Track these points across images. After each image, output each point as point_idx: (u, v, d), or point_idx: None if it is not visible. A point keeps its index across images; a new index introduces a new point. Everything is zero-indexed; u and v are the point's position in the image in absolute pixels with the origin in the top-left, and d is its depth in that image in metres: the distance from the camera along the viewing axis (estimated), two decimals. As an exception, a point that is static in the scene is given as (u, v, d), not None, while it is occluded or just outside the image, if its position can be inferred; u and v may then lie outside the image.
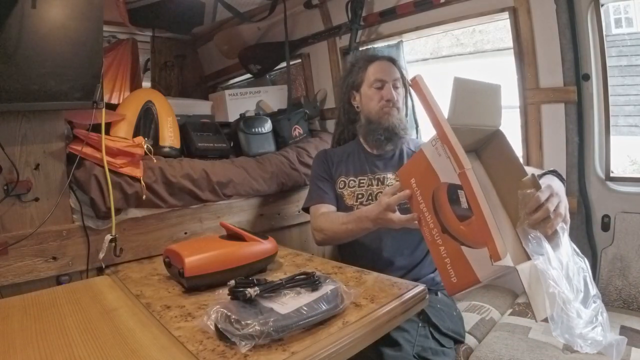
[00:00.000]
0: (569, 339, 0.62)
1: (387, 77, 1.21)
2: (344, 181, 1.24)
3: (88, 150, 1.08)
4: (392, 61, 1.26)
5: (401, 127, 1.21)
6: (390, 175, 1.21)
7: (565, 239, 0.70)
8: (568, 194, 1.33)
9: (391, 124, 1.19)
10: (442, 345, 0.98)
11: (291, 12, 1.91)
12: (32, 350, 0.64)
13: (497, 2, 1.37)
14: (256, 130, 1.60)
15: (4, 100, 0.91)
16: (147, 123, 1.32)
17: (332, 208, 1.21)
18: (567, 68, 1.26)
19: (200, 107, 1.82)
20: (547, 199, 0.70)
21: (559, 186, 0.78)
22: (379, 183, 1.20)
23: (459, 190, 0.69)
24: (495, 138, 0.82)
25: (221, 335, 0.63)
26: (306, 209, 1.27)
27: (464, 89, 0.73)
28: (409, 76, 1.68)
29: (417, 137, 1.65)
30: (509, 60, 1.41)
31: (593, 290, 0.66)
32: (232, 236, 1.01)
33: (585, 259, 0.70)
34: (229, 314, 0.63)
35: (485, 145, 0.84)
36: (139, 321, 0.75)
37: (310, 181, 1.30)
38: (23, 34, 0.90)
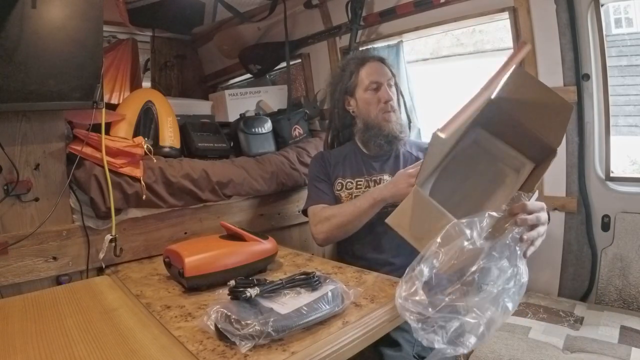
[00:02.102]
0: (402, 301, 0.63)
1: (381, 78, 1.21)
2: (341, 183, 1.24)
3: (88, 150, 1.08)
4: (382, 61, 1.26)
5: (399, 130, 1.21)
6: (386, 177, 1.20)
7: (521, 261, 0.69)
8: (568, 194, 1.33)
9: (391, 130, 1.19)
10: (442, 345, 0.98)
11: (291, 12, 1.91)
12: (32, 350, 0.64)
13: (497, 2, 1.37)
14: (256, 130, 1.60)
15: (4, 100, 0.91)
16: (147, 123, 1.32)
17: None
18: (567, 68, 1.26)
19: (200, 107, 1.82)
20: (536, 217, 0.70)
21: (545, 221, 0.76)
22: (376, 184, 1.20)
23: None
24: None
25: (221, 335, 0.63)
26: (305, 212, 1.27)
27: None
28: (406, 76, 1.69)
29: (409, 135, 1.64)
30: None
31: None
32: (232, 236, 1.01)
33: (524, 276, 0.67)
34: (229, 314, 0.63)
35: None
36: (139, 321, 0.75)
37: (308, 184, 1.30)
38: (23, 34, 0.90)
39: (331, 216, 1.13)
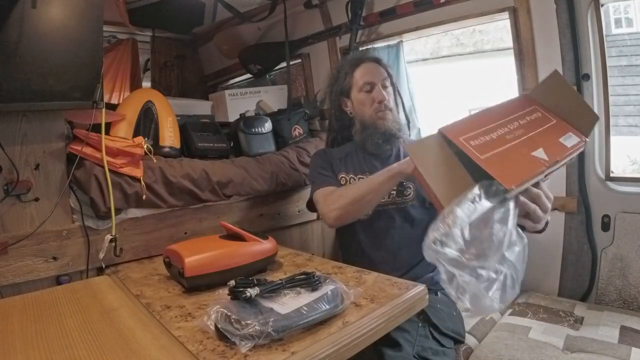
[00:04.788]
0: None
1: (375, 78, 1.21)
2: (345, 177, 1.24)
3: (88, 150, 1.08)
4: (377, 61, 1.26)
5: (397, 128, 1.21)
6: None
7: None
8: (568, 194, 1.33)
9: (387, 128, 1.19)
10: (442, 345, 0.98)
11: (291, 12, 1.91)
12: (32, 351, 0.64)
13: (497, 2, 1.37)
14: (256, 130, 1.60)
15: (4, 100, 0.91)
16: (147, 123, 1.32)
17: None
18: (567, 68, 1.27)
19: (200, 107, 1.82)
20: (537, 193, 0.67)
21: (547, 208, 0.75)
22: None
23: None
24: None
25: (221, 335, 0.63)
26: (309, 206, 1.25)
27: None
28: (406, 76, 1.69)
29: (409, 135, 1.64)
30: (509, 60, 1.41)
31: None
32: (232, 236, 1.01)
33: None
34: (229, 314, 0.63)
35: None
36: (139, 321, 0.75)
37: (312, 174, 1.28)
38: (23, 34, 0.90)
39: (344, 192, 1.11)
